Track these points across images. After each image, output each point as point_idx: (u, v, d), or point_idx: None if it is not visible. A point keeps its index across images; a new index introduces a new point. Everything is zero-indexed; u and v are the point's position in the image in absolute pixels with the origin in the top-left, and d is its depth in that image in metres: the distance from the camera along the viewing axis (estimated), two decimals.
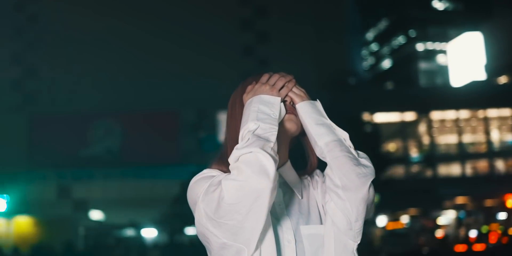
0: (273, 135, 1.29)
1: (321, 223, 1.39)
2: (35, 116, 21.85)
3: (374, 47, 53.54)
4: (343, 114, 15.53)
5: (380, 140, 21.10)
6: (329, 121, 1.41)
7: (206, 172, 1.36)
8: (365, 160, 1.36)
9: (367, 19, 51.02)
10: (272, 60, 22.62)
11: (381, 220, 22.78)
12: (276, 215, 1.37)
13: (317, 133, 1.38)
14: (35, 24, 23.71)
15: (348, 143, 1.37)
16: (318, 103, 1.44)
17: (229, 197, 1.23)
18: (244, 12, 23.99)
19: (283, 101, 1.41)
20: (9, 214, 16.52)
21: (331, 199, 1.35)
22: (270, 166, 1.22)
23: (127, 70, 21.72)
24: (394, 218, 23.29)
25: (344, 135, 1.39)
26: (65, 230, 17.33)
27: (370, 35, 53.95)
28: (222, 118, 16.87)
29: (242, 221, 1.24)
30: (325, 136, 1.37)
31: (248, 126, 1.31)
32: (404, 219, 23.50)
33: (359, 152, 1.39)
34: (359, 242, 1.34)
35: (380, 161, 18.18)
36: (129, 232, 19.87)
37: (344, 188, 1.31)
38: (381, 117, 24.31)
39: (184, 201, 1.39)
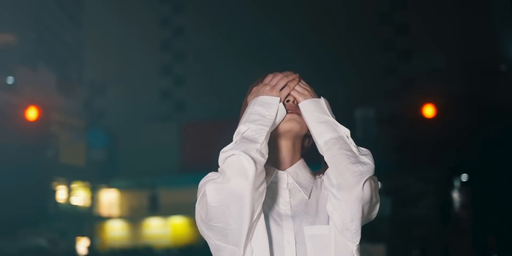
0: (261, 136, 1.32)
1: (328, 224, 1.36)
2: (184, 123, 23.14)
3: None
4: (494, 102, 14.61)
5: None
6: (331, 118, 1.39)
7: (210, 175, 1.39)
8: (365, 158, 1.34)
9: None
10: (414, 53, 21.84)
11: None
12: (278, 216, 1.38)
13: (317, 132, 1.38)
14: (181, 36, 25.06)
15: (350, 140, 1.35)
16: (322, 101, 1.44)
17: (212, 200, 1.28)
18: (382, 5, 23.43)
19: (287, 100, 1.43)
20: (164, 215, 17.64)
21: (329, 199, 1.34)
22: (250, 168, 1.25)
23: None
24: None
25: (346, 131, 1.37)
26: None
27: None
28: (359, 115, 16.61)
29: (229, 223, 1.27)
30: (324, 134, 1.37)
31: (239, 129, 1.35)
32: None
33: (362, 149, 1.37)
34: (357, 243, 1.31)
35: None
36: None
37: (338, 187, 1.30)
38: None
39: None
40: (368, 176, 1.30)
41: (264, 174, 1.31)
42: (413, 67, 19.61)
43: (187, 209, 19.30)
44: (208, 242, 1.35)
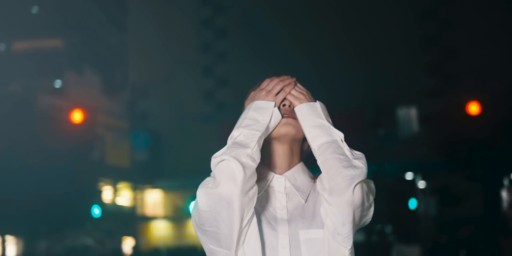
0: (253, 141, 1.34)
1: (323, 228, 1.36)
2: (225, 123, 23.20)
3: None
4: None
5: None
6: (326, 122, 1.39)
7: (206, 180, 1.39)
8: (358, 161, 1.33)
9: None
10: (459, 49, 21.37)
11: None
12: (274, 220, 1.39)
13: (311, 136, 1.39)
14: (223, 37, 25.25)
15: (343, 143, 1.35)
16: (317, 104, 1.43)
17: (202, 204, 1.31)
18: (426, 0, 23.03)
19: (283, 105, 1.43)
20: None
21: (322, 203, 1.34)
22: (239, 173, 1.27)
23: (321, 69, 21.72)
24: None
25: (341, 135, 1.36)
26: None
27: None
28: (401, 113, 16.37)
29: (220, 227, 1.29)
30: (318, 138, 1.37)
31: (232, 134, 1.37)
32: None
33: (356, 152, 1.37)
34: (349, 247, 1.31)
35: None
36: None
37: (329, 192, 1.30)
38: None
39: None
40: (359, 180, 1.29)
41: (254, 178, 1.32)
42: (457, 64, 19.17)
43: None
44: (203, 246, 1.37)
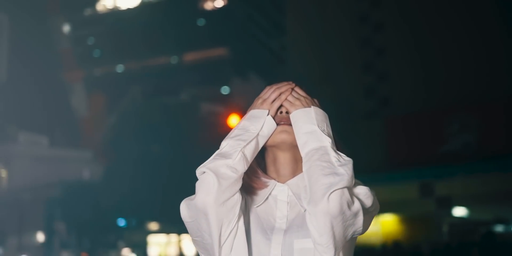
0: (236, 151, 1.33)
1: None
2: (389, 118, 22.74)
3: None
4: None
5: None
6: (317, 128, 1.36)
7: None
8: (342, 168, 1.28)
9: None
10: None
11: None
12: (271, 229, 1.39)
13: (300, 143, 1.36)
14: (381, 32, 24.71)
15: (331, 149, 1.32)
16: (311, 109, 1.40)
17: (184, 215, 1.35)
18: None
19: (280, 112, 1.43)
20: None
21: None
22: (213, 184, 1.28)
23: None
24: None
25: (328, 140, 1.34)
26: (429, 227, 17.54)
27: None
28: None
29: (204, 237, 1.33)
30: (306, 145, 1.34)
31: (221, 145, 1.38)
32: None
33: (344, 158, 1.32)
34: None
35: None
36: (498, 228, 18.86)
37: (308, 201, 1.27)
38: None
39: None
40: (337, 188, 1.24)
41: (234, 189, 1.31)
42: None
43: (396, 206, 18.97)
44: None
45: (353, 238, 1.36)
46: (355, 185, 1.34)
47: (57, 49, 31.76)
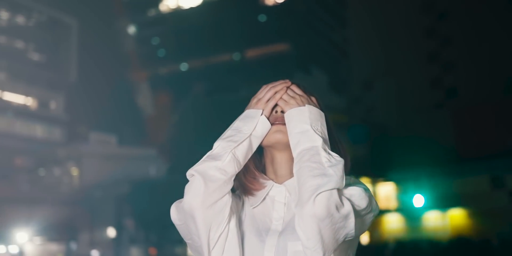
0: (226, 153, 1.31)
1: None
2: (458, 109, 22.12)
3: None
4: None
5: None
6: (309, 127, 1.31)
7: None
8: (331, 169, 1.22)
9: None
10: None
11: None
12: (266, 231, 1.35)
13: (293, 143, 1.31)
14: (446, 21, 24.08)
15: (322, 149, 1.27)
16: (305, 108, 1.35)
17: (173, 218, 1.34)
18: None
19: (275, 111, 1.39)
20: (441, 208, 17.09)
21: None
22: (200, 187, 1.27)
23: None
24: None
25: (320, 140, 1.28)
26: (500, 221, 16.89)
27: None
28: None
29: (194, 239, 1.32)
30: (298, 145, 1.30)
31: (213, 146, 1.35)
32: None
33: (335, 158, 1.26)
34: None
35: None
36: None
37: (296, 203, 1.22)
38: None
39: None
40: (324, 189, 1.17)
41: (222, 191, 1.29)
42: None
43: (465, 200, 18.36)
44: None
45: (350, 240, 1.28)
46: (350, 185, 1.27)
47: (123, 50, 32.70)
